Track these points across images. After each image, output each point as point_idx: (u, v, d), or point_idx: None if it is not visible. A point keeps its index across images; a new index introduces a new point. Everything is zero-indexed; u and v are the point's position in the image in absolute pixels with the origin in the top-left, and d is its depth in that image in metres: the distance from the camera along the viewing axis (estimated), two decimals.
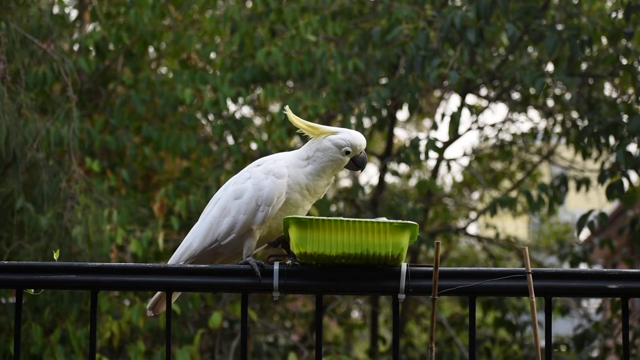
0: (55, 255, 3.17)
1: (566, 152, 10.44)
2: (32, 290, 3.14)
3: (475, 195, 13.14)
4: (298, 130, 3.39)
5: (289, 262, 3.10)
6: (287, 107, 3.35)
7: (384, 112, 8.74)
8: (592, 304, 12.69)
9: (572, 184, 9.10)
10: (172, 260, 3.34)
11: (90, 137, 7.64)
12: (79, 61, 7.59)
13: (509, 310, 10.08)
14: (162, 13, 8.38)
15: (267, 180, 3.21)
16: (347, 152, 3.26)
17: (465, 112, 8.75)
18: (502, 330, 10.37)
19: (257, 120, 10.79)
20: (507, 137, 10.56)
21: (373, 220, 3.00)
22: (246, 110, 10.24)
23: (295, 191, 3.24)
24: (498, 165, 11.86)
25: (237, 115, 8.75)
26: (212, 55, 8.55)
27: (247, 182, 3.25)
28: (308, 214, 3.35)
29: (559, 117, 9.58)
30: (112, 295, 7.15)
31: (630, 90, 8.45)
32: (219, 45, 8.69)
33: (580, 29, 7.47)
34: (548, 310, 3.09)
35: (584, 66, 8.95)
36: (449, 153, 21.88)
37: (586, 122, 8.11)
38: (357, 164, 3.30)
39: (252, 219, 3.21)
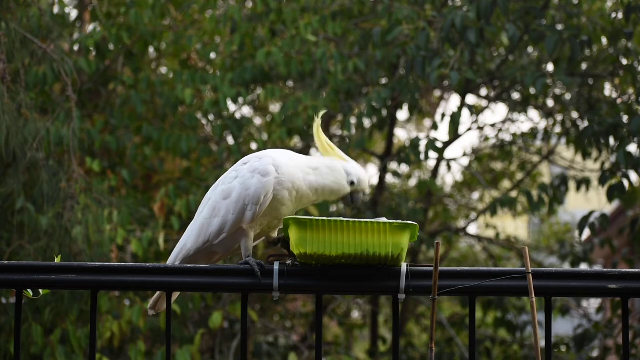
0: (57, 260, 3.17)
1: (566, 152, 10.44)
2: (31, 293, 3.14)
3: (475, 195, 13.15)
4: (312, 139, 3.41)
5: (289, 262, 3.10)
6: (317, 120, 3.34)
7: (384, 112, 8.74)
8: (592, 304, 12.69)
9: (572, 184, 9.11)
10: (170, 260, 3.38)
11: (90, 137, 7.64)
12: (79, 61, 7.59)
13: (509, 310, 10.08)
14: (162, 13, 8.38)
15: (253, 179, 3.21)
16: (352, 183, 3.31)
17: (465, 112, 8.75)
18: (502, 330, 10.38)
19: (257, 120, 10.80)
20: (507, 137, 10.57)
21: (373, 220, 3.00)
22: (246, 110, 10.25)
23: (285, 188, 3.22)
24: (498, 165, 11.86)
25: (237, 115, 8.75)
26: (212, 55, 8.56)
27: (235, 182, 3.25)
28: (308, 214, 3.35)
29: (559, 117, 9.58)
30: (112, 295, 7.15)
31: (630, 91, 8.45)
32: (219, 45, 8.69)
33: (580, 29, 7.47)
34: (548, 310, 3.09)
35: (584, 66, 8.95)
36: (449, 153, 21.88)
37: (586, 123, 8.11)
38: (353, 199, 3.35)
39: (242, 218, 3.22)
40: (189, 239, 3.33)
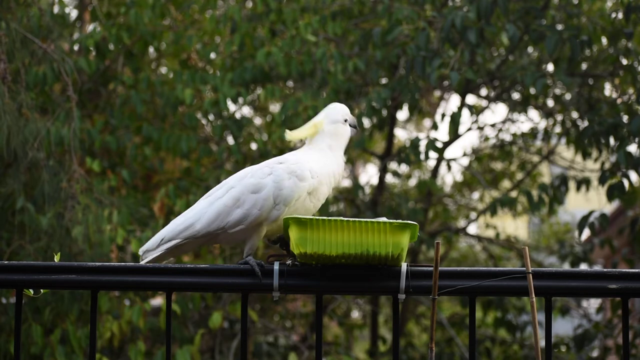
0: (56, 258, 3.16)
1: (566, 152, 10.45)
2: (32, 292, 3.14)
3: (475, 195, 13.15)
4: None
5: (289, 262, 3.10)
6: (287, 132, 3.48)
7: (384, 112, 8.74)
8: (592, 304, 12.70)
9: (572, 184, 9.11)
10: (169, 233, 3.28)
11: (90, 137, 7.64)
12: (79, 61, 7.59)
13: (509, 310, 10.08)
14: (162, 13, 8.38)
15: (289, 181, 3.24)
16: (346, 120, 3.49)
17: (465, 112, 8.74)
18: (502, 330, 10.38)
19: (257, 120, 10.79)
20: (507, 137, 10.57)
21: (373, 220, 3.00)
22: (246, 110, 10.24)
23: (324, 184, 3.32)
24: (498, 165, 11.86)
25: (237, 115, 8.75)
26: (212, 55, 8.55)
27: (268, 178, 3.25)
28: None
29: (559, 117, 9.58)
30: (112, 295, 7.15)
31: (631, 91, 8.45)
32: (219, 45, 8.69)
33: (580, 29, 7.47)
34: (548, 310, 3.09)
35: (584, 66, 8.95)
36: (449, 153, 21.89)
37: (586, 123, 8.11)
38: (352, 126, 3.53)
39: (266, 215, 3.23)
40: (199, 221, 3.26)
